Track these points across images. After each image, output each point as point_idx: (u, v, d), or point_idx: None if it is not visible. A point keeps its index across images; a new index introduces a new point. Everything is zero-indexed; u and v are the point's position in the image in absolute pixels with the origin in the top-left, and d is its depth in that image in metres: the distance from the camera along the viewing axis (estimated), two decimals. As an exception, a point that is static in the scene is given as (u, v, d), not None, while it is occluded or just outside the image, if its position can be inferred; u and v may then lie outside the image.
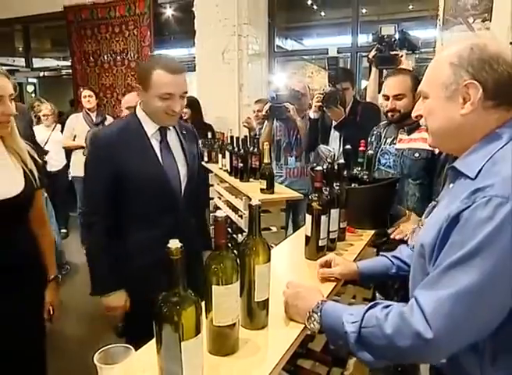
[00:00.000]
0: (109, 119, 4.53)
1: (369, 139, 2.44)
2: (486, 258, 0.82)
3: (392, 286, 1.93)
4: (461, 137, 0.99)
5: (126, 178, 1.60)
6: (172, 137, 1.73)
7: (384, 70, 2.91)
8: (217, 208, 3.57)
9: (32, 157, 1.54)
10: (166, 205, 1.67)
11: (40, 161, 1.61)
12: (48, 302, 1.64)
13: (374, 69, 3.03)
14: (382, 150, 2.25)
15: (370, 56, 2.91)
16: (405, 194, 2.13)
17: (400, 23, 4.69)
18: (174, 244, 0.80)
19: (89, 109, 4.48)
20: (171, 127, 1.73)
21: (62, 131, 4.72)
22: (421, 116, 1.08)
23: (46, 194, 3.58)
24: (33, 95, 7.50)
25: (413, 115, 1.13)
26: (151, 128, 1.67)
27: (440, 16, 2.78)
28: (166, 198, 1.67)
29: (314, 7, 5.97)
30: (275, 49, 5.22)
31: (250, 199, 2.70)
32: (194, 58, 5.05)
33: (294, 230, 2.79)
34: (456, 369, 0.96)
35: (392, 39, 2.73)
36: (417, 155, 2.13)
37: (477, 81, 0.93)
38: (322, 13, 6.24)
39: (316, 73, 7.67)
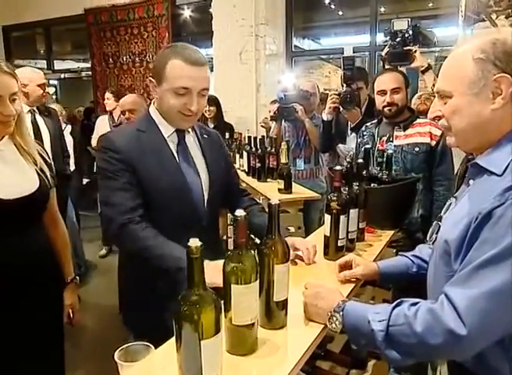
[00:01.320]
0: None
1: (359, 140, 2.45)
2: None
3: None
4: (488, 133, 0.97)
5: (144, 187, 1.38)
6: (191, 141, 1.51)
7: (398, 67, 2.86)
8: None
9: (41, 156, 1.52)
10: (189, 219, 1.43)
11: (49, 161, 1.57)
12: (67, 305, 1.63)
13: (387, 67, 2.98)
14: (378, 149, 2.25)
15: (383, 54, 2.86)
16: (416, 192, 2.12)
17: (420, 21, 4.62)
18: (194, 242, 0.80)
19: (110, 112, 4.51)
20: (190, 130, 1.52)
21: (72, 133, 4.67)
22: (439, 117, 1.05)
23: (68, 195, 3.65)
24: (53, 97, 7.63)
25: (430, 116, 1.09)
26: (167, 130, 1.45)
27: (462, 13, 2.72)
28: (189, 210, 1.44)
29: (332, 6, 5.94)
30: (293, 49, 5.20)
31: (269, 199, 2.70)
32: (212, 58, 5.07)
33: (307, 234, 2.75)
34: (482, 364, 0.95)
35: (406, 34, 2.67)
36: (417, 149, 2.22)
37: (508, 74, 0.92)
38: (340, 12, 6.21)
39: (333, 72, 7.64)
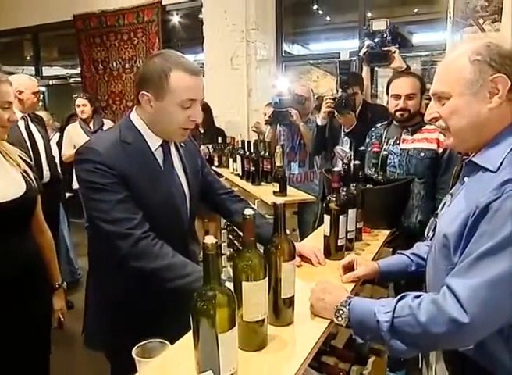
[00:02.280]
0: (107, 125, 4.13)
1: (367, 140, 2.48)
2: None
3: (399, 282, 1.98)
4: (484, 132, 1.02)
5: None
6: (173, 153, 1.47)
7: (376, 68, 2.87)
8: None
9: (24, 160, 1.54)
10: (175, 232, 1.40)
11: (31, 163, 1.59)
12: (57, 310, 1.66)
13: (365, 67, 3.00)
14: (384, 150, 2.28)
15: (361, 54, 2.87)
16: (410, 193, 2.16)
17: (407, 26, 4.70)
18: (209, 239, 0.83)
19: (84, 119, 4.13)
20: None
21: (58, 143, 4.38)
22: (436, 119, 1.10)
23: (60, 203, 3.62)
24: (40, 104, 7.56)
25: (426, 118, 1.14)
26: (153, 143, 1.39)
27: (450, 18, 2.80)
28: (176, 223, 1.42)
29: (320, 12, 6.01)
30: (283, 54, 5.25)
31: (265, 202, 2.73)
32: (203, 64, 5.10)
33: (301, 236, 2.76)
34: (483, 353, 0.99)
35: (384, 35, 2.67)
36: (422, 154, 2.22)
37: (503, 74, 0.97)
38: (328, 18, 6.28)
39: (322, 77, 7.71)
